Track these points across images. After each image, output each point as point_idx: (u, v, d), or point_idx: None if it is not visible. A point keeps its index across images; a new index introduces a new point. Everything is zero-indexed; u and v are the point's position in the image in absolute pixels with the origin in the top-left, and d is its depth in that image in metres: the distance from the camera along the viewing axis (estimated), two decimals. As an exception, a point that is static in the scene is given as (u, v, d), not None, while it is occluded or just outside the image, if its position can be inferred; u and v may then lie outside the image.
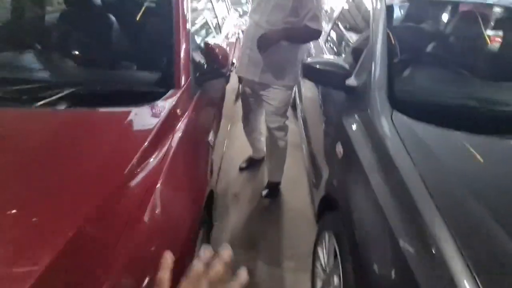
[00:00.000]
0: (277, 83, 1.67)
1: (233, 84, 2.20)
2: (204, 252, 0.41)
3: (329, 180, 1.20)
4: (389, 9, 1.39)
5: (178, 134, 0.90)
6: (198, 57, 1.26)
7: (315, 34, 1.58)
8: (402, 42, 1.31)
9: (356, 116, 1.12)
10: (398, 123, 0.95)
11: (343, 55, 1.81)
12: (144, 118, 0.88)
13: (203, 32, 1.83)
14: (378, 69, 1.14)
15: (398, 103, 1.03)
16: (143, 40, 1.28)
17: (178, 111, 0.97)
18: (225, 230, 1.75)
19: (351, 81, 1.23)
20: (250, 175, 2.25)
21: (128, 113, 0.87)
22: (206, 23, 1.94)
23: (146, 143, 0.78)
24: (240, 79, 1.90)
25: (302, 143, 2.14)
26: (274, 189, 2.04)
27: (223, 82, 1.77)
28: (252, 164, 2.28)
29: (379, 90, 1.07)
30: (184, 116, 0.98)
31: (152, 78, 1.11)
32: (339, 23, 2.09)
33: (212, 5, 2.14)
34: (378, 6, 1.39)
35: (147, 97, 0.95)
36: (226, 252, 0.41)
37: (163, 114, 0.89)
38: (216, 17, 2.17)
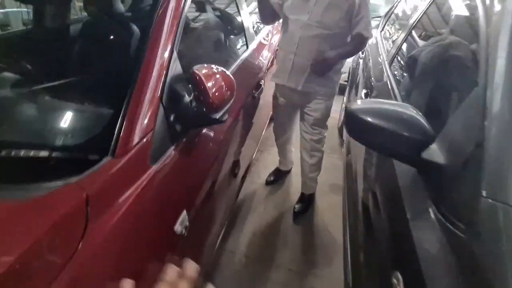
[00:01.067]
0: (320, 92, 1.57)
1: (267, 100, 1.85)
2: (168, 272, 0.39)
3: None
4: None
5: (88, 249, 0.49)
6: (184, 90, 0.84)
7: (365, 45, 1.53)
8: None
9: (442, 237, 0.56)
10: None
11: (414, 94, 1.09)
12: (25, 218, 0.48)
13: (215, 48, 1.51)
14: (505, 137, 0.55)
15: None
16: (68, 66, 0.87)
17: (105, 199, 0.56)
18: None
19: (433, 154, 0.67)
20: (278, 188, 2.13)
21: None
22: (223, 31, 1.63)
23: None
24: (279, 88, 1.72)
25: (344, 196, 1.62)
26: (307, 201, 1.94)
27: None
28: (279, 176, 2.19)
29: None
30: (119, 207, 0.57)
31: (76, 136, 0.66)
32: (414, 38, 1.41)
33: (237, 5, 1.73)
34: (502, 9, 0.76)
35: (59, 172, 0.54)
36: (191, 267, 0.39)
37: (59, 213, 0.48)
38: (242, 22, 1.74)
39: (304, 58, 1.46)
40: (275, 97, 1.78)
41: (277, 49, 1.93)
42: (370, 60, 1.87)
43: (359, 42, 1.47)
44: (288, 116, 1.81)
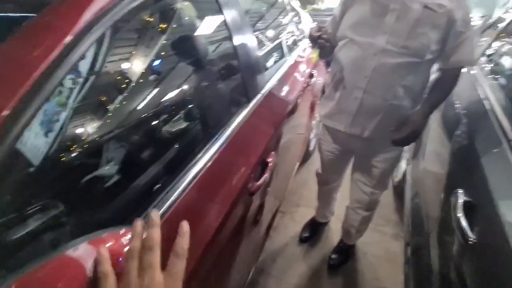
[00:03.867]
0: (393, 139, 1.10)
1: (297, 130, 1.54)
2: (136, 227, 0.42)
3: None
4: None
5: None
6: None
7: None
8: None
9: None
10: None
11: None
12: None
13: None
14: None
15: None
16: None
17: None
18: None
19: None
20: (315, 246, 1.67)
21: None
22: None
23: None
24: (331, 132, 1.28)
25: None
26: (347, 252, 1.58)
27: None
28: (315, 230, 1.73)
29: None
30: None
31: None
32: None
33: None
34: None
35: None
36: (154, 214, 0.43)
37: None
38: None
39: (378, 97, 1.03)
40: (322, 142, 1.37)
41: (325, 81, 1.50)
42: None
43: (456, 76, 1.02)
44: (339, 164, 1.40)
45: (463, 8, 0.92)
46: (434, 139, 1.40)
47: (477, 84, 1.25)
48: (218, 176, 0.76)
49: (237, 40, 0.98)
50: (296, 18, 2.18)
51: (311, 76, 1.82)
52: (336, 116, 1.17)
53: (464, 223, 0.71)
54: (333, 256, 1.56)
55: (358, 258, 1.61)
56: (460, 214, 0.73)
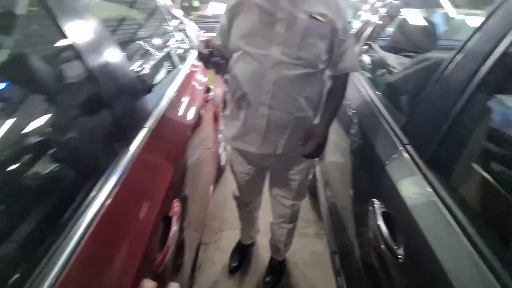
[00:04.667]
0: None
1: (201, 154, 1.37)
2: None
3: None
4: None
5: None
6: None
7: None
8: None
9: None
10: None
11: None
12: None
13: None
14: None
15: None
16: None
17: None
18: None
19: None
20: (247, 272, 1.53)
21: None
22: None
23: None
24: (242, 154, 1.16)
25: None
26: (279, 269, 1.53)
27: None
28: (244, 255, 1.59)
29: None
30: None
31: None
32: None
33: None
34: None
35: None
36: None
37: None
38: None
39: (284, 111, 0.98)
40: (234, 163, 1.24)
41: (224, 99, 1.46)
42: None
43: (345, 81, 1.06)
44: (256, 183, 1.30)
45: (341, 18, 0.96)
46: (333, 133, 1.49)
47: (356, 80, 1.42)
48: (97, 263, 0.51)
49: (92, 60, 0.68)
50: (182, 26, 1.98)
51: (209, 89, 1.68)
52: (245, 137, 1.07)
53: (387, 237, 0.69)
54: (267, 279, 1.47)
55: (290, 271, 1.56)
56: (383, 229, 0.71)
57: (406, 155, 0.79)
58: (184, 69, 1.50)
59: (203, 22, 4.31)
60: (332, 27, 0.94)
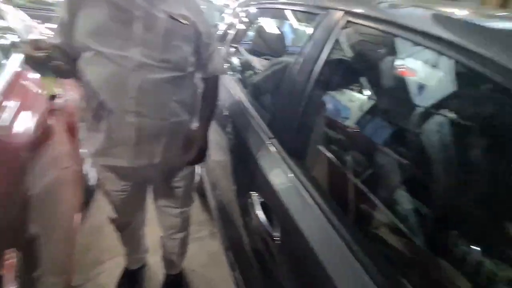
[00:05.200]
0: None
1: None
2: None
3: None
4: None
5: None
6: None
7: None
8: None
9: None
10: None
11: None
12: None
13: None
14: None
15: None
16: None
17: None
18: None
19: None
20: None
21: None
22: None
23: None
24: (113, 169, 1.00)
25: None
26: (180, 283, 1.43)
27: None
28: (133, 282, 1.39)
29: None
30: None
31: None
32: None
33: None
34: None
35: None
36: None
37: None
38: None
39: (156, 118, 0.91)
40: (105, 182, 1.07)
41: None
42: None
43: (216, 83, 1.07)
44: (136, 199, 1.16)
45: (203, 22, 0.96)
46: (213, 132, 1.53)
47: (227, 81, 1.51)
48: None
49: None
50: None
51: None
52: (112, 151, 0.93)
53: (266, 223, 0.77)
54: None
55: (189, 278, 1.51)
56: (261, 217, 0.79)
57: (272, 148, 0.90)
58: (9, 68, 1.14)
59: (42, 10, 3.46)
60: (195, 29, 0.93)
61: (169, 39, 0.87)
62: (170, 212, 1.20)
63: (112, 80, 0.85)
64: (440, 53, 0.52)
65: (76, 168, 1.47)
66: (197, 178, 1.97)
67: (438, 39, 0.51)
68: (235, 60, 1.85)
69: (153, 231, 1.36)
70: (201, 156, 1.05)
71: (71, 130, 1.49)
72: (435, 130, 0.61)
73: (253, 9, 1.75)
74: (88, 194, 1.73)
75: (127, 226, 1.24)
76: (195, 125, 1.06)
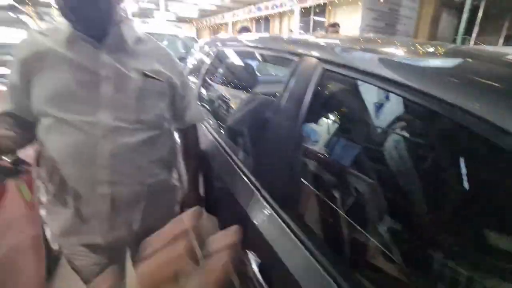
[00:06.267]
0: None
1: None
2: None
3: None
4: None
5: None
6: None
7: None
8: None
9: None
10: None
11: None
12: None
13: None
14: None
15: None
16: None
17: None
18: None
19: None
20: None
21: None
22: None
23: None
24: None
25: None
26: None
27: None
28: None
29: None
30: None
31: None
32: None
33: None
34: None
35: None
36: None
37: None
38: None
39: (132, 184, 0.83)
40: (75, 258, 0.91)
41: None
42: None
43: (195, 132, 1.06)
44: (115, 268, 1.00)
45: (178, 73, 0.92)
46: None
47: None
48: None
49: None
50: None
51: None
52: (82, 228, 0.82)
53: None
54: None
55: None
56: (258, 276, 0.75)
57: (261, 199, 0.88)
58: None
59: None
60: (170, 83, 0.88)
61: (143, 98, 0.81)
62: None
63: (79, 150, 0.75)
64: (387, 90, 0.64)
65: (35, 233, 1.30)
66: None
67: (384, 79, 0.64)
68: (208, 95, 1.85)
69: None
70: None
71: (29, 185, 1.33)
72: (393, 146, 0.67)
73: (225, 49, 1.78)
74: (51, 260, 1.52)
75: None
76: (175, 178, 1.01)
